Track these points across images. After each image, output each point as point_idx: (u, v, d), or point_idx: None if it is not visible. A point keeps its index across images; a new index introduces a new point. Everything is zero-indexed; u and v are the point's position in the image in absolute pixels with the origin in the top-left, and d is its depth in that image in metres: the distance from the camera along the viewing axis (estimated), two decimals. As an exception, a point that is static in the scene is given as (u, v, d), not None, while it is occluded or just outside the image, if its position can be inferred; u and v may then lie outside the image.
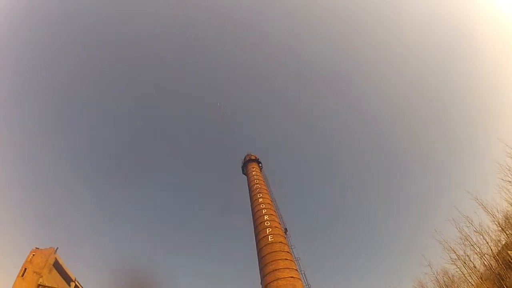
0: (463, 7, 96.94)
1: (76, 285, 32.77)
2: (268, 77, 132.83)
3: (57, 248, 32.08)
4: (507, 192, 30.46)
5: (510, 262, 29.37)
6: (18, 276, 29.77)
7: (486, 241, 30.64)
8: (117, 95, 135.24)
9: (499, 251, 30.48)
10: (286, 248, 38.61)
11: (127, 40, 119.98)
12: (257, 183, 49.86)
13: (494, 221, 30.66)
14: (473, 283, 30.20)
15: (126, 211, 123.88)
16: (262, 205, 44.15)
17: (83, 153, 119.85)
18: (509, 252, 30.55)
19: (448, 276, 32.27)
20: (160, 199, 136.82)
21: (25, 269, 30.18)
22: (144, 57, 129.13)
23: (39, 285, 29.92)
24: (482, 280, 29.54)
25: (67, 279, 32.49)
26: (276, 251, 37.48)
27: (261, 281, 36.70)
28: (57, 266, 31.78)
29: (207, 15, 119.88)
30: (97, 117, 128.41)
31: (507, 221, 30.74)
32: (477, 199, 31.30)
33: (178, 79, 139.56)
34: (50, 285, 30.47)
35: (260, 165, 59.66)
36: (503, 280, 28.46)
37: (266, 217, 41.78)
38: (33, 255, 31.05)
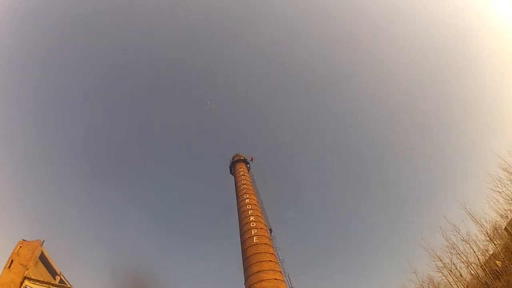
0: (462, 7, 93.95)
1: (61, 278, 33.33)
2: (259, 76, 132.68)
3: (44, 240, 32.83)
4: (496, 202, 30.13)
5: (498, 272, 28.70)
6: (5, 268, 30.54)
7: (473, 250, 30.12)
8: (110, 95, 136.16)
9: (487, 260, 29.89)
10: (271, 250, 38.47)
11: (122, 39, 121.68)
12: (244, 183, 49.73)
13: (482, 231, 30.29)
14: (459, 292, 29.53)
15: (116, 209, 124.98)
16: (248, 206, 44.04)
17: (77, 153, 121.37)
18: (497, 262, 29.78)
19: (434, 284, 31.71)
20: (147, 198, 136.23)
21: (12, 260, 30.95)
22: (137, 56, 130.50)
23: (25, 277, 30.61)
24: (468, 288, 28.88)
25: (53, 272, 33.15)
26: (261, 252, 37.38)
27: (245, 281, 36.65)
28: (43, 259, 32.48)
29: (201, 14, 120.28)
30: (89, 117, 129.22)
31: (495, 231, 30.15)
32: (466, 209, 30.98)
33: (168, 77, 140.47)
34: (35, 278, 31.22)
35: (248, 165, 59.44)
36: (490, 290, 27.71)
37: (252, 218, 41.64)
38: (20, 247, 31.82)
